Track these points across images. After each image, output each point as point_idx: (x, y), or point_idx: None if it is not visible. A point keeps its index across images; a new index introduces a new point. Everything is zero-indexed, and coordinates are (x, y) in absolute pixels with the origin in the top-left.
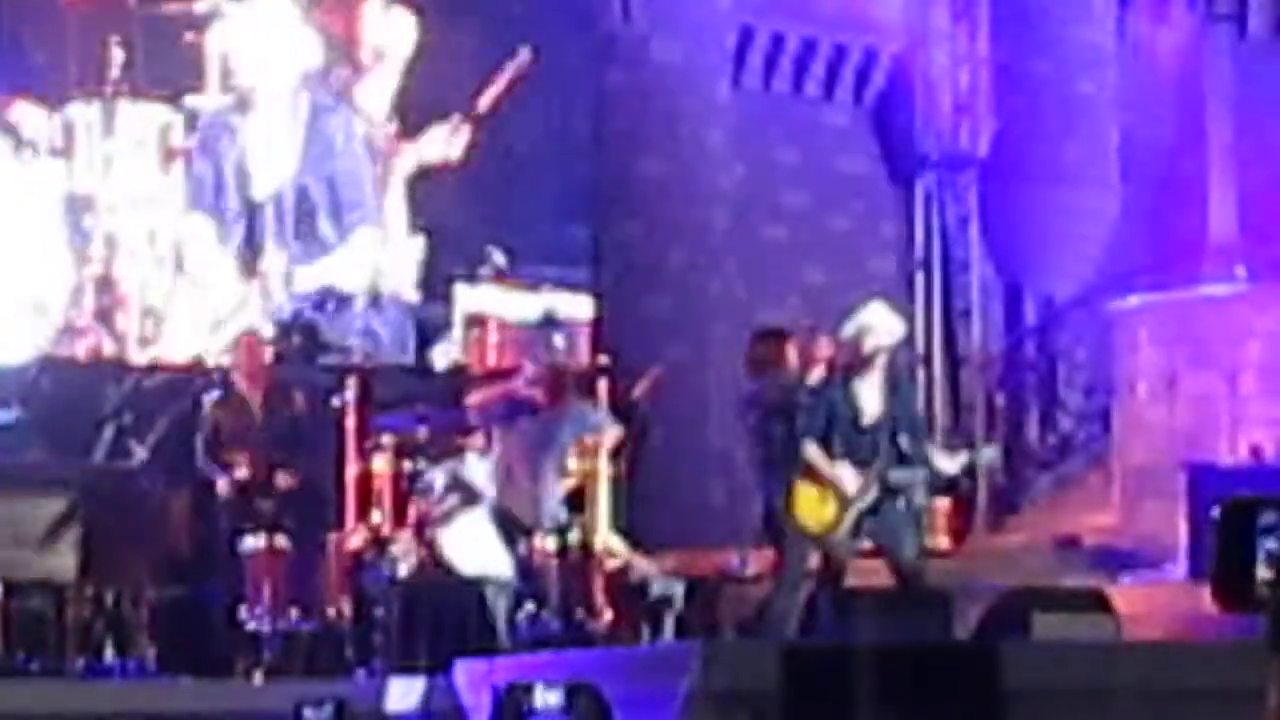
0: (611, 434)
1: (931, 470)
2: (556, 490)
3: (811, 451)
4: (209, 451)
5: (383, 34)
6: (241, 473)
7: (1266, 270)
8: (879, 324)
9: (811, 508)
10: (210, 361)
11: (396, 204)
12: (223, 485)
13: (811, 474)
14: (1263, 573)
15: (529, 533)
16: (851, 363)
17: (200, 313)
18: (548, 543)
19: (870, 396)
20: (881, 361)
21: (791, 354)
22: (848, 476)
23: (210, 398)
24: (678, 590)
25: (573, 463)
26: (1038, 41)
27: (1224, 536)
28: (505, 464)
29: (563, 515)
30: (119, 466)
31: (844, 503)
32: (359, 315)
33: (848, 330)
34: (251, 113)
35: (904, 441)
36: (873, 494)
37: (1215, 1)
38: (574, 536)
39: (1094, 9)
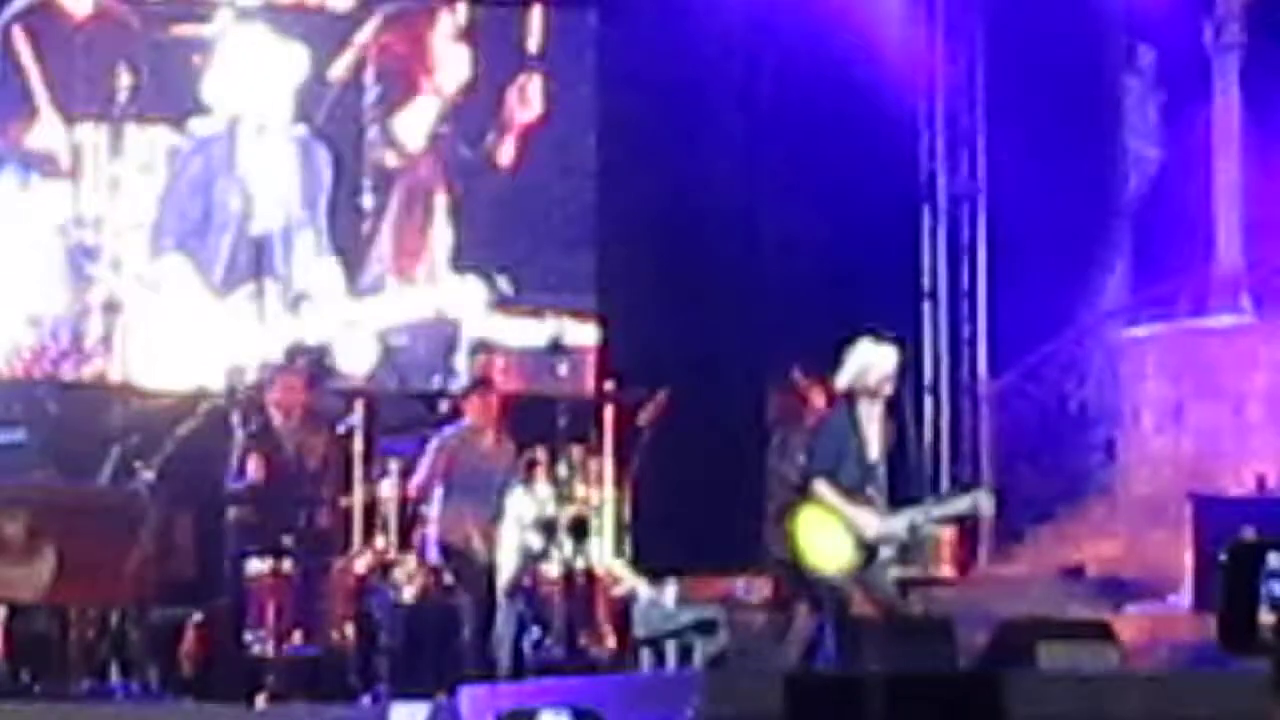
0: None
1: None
2: (508, 533)
3: (824, 490)
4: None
5: (445, 64)
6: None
7: (1273, 301)
8: (876, 360)
9: (828, 550)
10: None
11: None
12: (235, 514)
13: (823, 514)
14: (1266, 617)
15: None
16: (855, 396)
17: (204, 342)
18: (552, 568)
19: (874, 429)
20: (887, 390)
21: (817, 397)
22: (865, 516)
23: (243, 432)
24: (684, 617)
25: (580, 489)
26: (1040, 72)
27: (1229, 579)
28: (455, 507)
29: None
30: (124, 488)
31: (865, 544)
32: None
33: (846, 376)
34: (247, 143)
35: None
36: (899, 534)
37: (1222, 31)
38: (579, 562)
39: (1097, 39)
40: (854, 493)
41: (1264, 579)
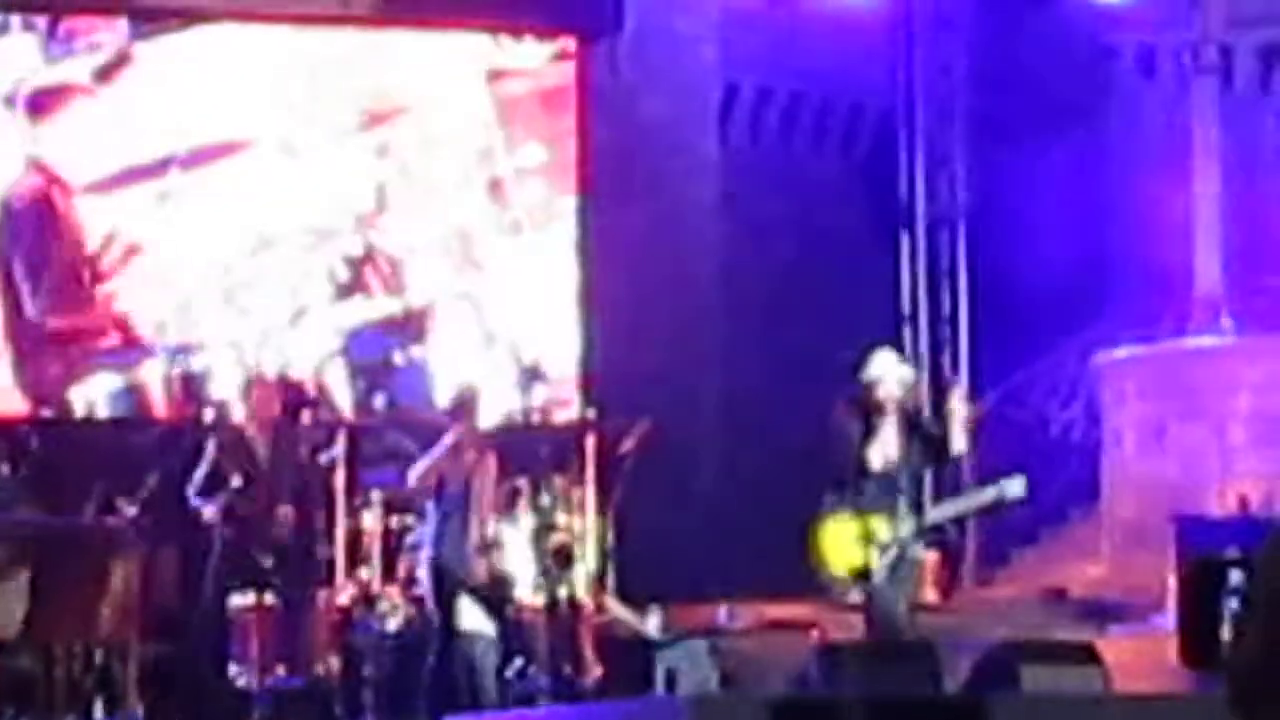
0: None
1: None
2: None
3: (837, 501)
4: (205, 487)
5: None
6: (241, 508)
7: (1253, 322)
8: (888, 373)
9: (840, 552)
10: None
11: None
12: (210, 513)
13: (840, 525)
14: (1226, 632)
15: (461, 589)
16: (866, 410)
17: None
18: (535, 599)
19: (882, 444)
20: (892, 409)
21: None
22: (880, 523)
23: (214, 439)
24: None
25: (562, 519)
26: (1023, 95)
27: (1192, 597)
28: (445, 525)
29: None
30: (107, 523)
31: (873, 549)
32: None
33: (861, 379)
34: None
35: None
36: (901, 540)
37: (1200, 54)
38: (562, 591)
39: (1079, 63)
40: (875, 500)
41: (1224, 596)
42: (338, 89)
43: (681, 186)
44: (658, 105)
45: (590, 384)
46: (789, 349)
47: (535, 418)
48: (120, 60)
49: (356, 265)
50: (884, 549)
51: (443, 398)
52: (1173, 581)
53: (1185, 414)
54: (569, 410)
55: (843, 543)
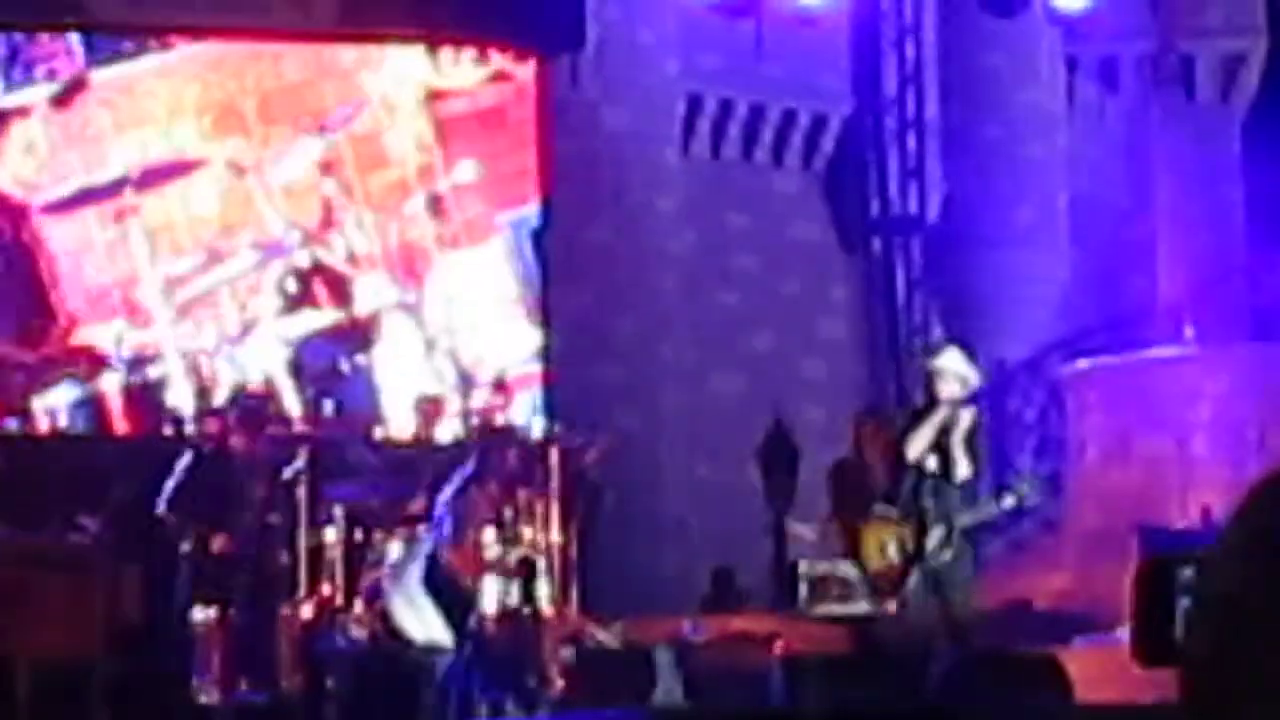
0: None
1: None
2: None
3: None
4: (178, 506)
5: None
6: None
7: (1216, 332)
8: (951, 370)
9: (874, 545)
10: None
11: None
12: (184, 545)
13: (877, 527)
14: (1180, 631)
15: (469, 600)
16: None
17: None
18: (498, 612)
19: (922, 438)
20: (944, 409)
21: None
22: (909, 527)
23: (190, 457)
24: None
25: (527, 532)
26: (986, 106)
27: (1145, 595)
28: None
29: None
30: (72, 539)
31: (894, 547)
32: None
33: (926, 368)
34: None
35: (929, 501)
36: (932, 552)
37: (1162, 66)
38: (525, 605)
39: (1042, 73)
40: (908, 501)
41: (1177, 594)
42: (284, 112)
43: (644, 198)
44: (620, 117)
45: (553, 397)
46: (752, 361)
47: (474, 420)
48: (76, 86)
49: (305, 278)
50: (915, 558)
51: (388, 403)
52: None
53: (1148, 424)
54: (505, 414)
55: (875, 544)
